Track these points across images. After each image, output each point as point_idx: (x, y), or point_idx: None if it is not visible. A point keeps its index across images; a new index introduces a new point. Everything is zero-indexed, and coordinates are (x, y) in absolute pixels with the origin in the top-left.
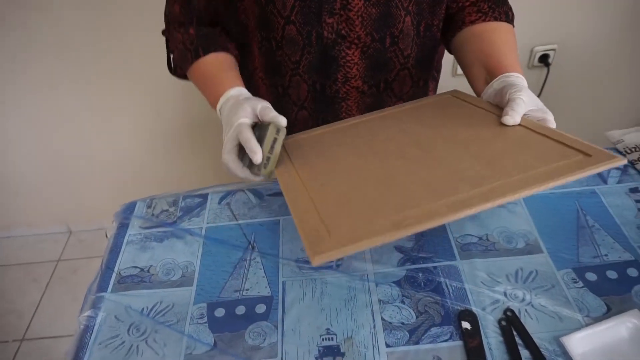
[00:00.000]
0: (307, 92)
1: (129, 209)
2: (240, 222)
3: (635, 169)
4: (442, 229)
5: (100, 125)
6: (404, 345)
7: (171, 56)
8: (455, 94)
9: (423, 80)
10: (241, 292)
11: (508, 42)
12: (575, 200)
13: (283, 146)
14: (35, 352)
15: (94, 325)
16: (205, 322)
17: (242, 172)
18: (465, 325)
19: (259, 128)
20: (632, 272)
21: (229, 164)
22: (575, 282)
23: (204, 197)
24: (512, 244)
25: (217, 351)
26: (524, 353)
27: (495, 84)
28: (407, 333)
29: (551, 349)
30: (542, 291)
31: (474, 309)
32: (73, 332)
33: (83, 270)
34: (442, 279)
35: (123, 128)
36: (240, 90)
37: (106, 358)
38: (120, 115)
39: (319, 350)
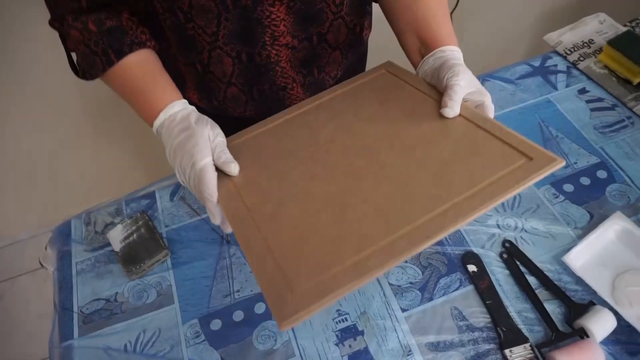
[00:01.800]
0: (232, 66)
1: (63, 231)
2: (203, 215)
3: (578, 69)
4: None
5: None
6: (419, 305)
7: (72, 56)
8: (389, 68)
9: (359, 26)
10: (232, 295)
11: (442, 6)
12: (535, 113)
13: None
14: None
15: None
16: (203, 341)
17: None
18: (472, 268)
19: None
20: (601, 174)
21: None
22: (557, 197)
23: (151, 196)
24: None
25: None
26: (531, 280)
27: (431, 59)
28: (418, 292)
29: (553, 269)
30: (530, 214)
31: (474, 249)
32: (31, 357)
33: (9, 295)
34: None
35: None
36: (184, 106)
37: None
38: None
39: (337, 335)
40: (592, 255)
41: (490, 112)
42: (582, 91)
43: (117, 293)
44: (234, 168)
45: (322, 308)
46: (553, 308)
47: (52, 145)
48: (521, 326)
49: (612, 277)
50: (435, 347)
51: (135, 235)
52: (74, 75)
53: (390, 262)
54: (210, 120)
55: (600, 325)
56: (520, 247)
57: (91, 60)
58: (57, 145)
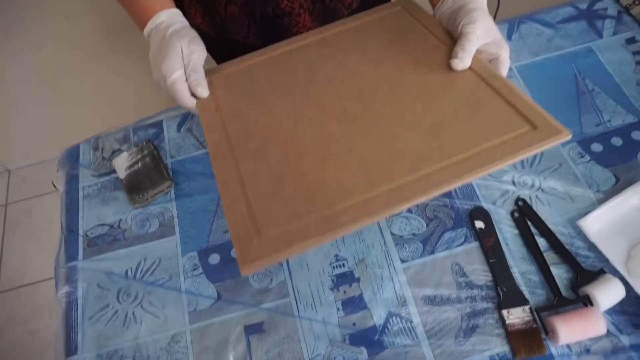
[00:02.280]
0: None
1: (72, 154)
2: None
3: (631, 15)
4: None
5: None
6: (419, 257)
7: None
8: (406, 5)
9: None
10: None
11: None
12: (572, 63)
13: (211, 85)
14: (15, 301)
15: (77, 299)
16: (201, 273)
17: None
18: (479, 224)
19: (153, 170)
20: (636, 135)
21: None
22: (582, 157)
23: (158, 125)
24: None
25: (223, 302)
26: (541, 242)
27: (450, 1)
28: (420, 244)
29: (566, 232)
30: (550, 172)
31: (484, 205)
32: (46, 276)
33: (36, 211)
34: None
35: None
36: (169, 16)
37: (103, 333)
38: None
39: (333, 280)
40: (610, 222)
41: (505, 67)
42: (631, 41)
43: (120, 220)
44: (200, 91)
45: (286, 257)
46: (560, 273)
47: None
48: (523, 288)
49: (628, 247)
50: (432, 300)
51: (140, 164)
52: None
53: (363, 220)
54: (190, 35)
55: (607, 294)
56: (534, 207)
57: None
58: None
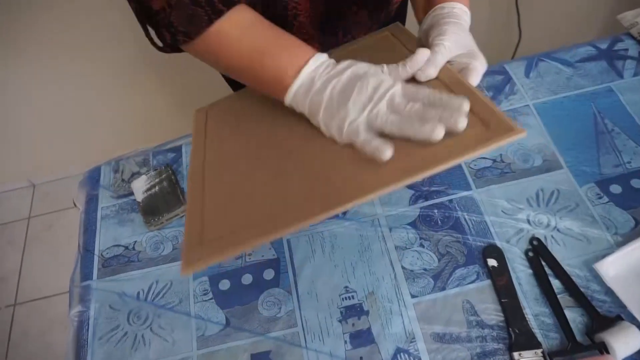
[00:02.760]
0: None
1: (94, 176)
2: None
3: None
4: None
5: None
6: (430, 293)
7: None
8: (394, 31)
9: None
10: (243, 258)
11: None
12: (591, 102)
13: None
14: (32, 314)
15: (89, 319)
16: (211, 299)
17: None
18: (492, 262)
19: (170, 194)
20: None
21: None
22: (600, 198)
23: (177, 150)
24: (529, 162)
25: (231, 329)
26: (555, 283)
27: (429, 18)
28: (431, 280)
29: (582, 275)
30: (566, 212)
31: (498, 243)
32: (62, 290)
33: (57, 226)
34: (459, 213)
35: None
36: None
37: (112, 354)
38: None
39: (341, 312)
40: (628, 266)
41: (475, 76)
42: None
43: (135, 242)
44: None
45: (222, 260)
46: (574, 316)
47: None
48: (536, 330)
49: None
50: (441, 338)
51: (157, 188)
52: (114, 21)
53: (297, 224)
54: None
55: (625, 342)
56: (549, 247)
57: (189, 16)
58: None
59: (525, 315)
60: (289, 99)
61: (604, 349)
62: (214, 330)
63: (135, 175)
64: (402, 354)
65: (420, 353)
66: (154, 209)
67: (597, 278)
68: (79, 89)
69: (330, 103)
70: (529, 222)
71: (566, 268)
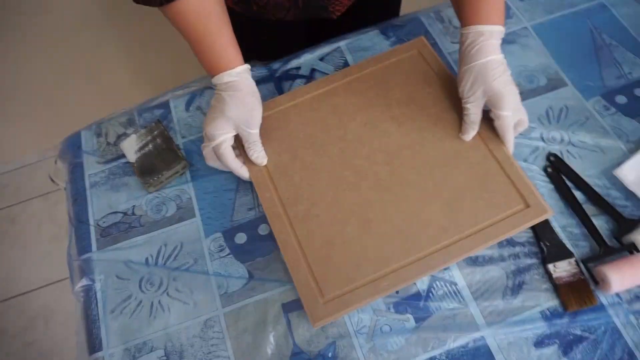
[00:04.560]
0: None
1: (74, 143)
2: None
3: None
4: None
5: None
6: None
7: None
8: (422, 49)
9: None
10: (256, 208)
11: None
12: (587, 19)
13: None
14: (9, 312)
15: (96, 293)
16: (229, 254)
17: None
18: None
19: (166, 151)
20: None
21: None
22: (607, 109)
23: (165, 106)
24: (534, 82)
25: (256, 282)
26: (577, 195)
27: (464, 45)
28: None
29: (601, 184)
30: (577, 126)
31: None
32: (38, 285)
33: (22, 218)
34: None
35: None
36: (241, 76)
37: (128, 326)
38: None
39: None
40: None
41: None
42: None
43: (134, 206)
44: (262, 162)
45: (344, 314)
46: (600, 224)
47: (55, 59)
48: (565, 241)
49: None
50: (474, 261)
51: (151, 146)
52: None
53: (399, 285)
54: (255, 101)
55: None
56: (567, 161)
57: None
58: (60, 59)
59: (554, 229)
60: (213, 81)
61: (634, 248)
62: (237, 285)
63: (121, 136)
64: (437, 282)
65: (455, 279)
66: (151, 169)
67: (616, 185)
68: (29, 59)
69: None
70: (543, 139)
71: (586, 179)
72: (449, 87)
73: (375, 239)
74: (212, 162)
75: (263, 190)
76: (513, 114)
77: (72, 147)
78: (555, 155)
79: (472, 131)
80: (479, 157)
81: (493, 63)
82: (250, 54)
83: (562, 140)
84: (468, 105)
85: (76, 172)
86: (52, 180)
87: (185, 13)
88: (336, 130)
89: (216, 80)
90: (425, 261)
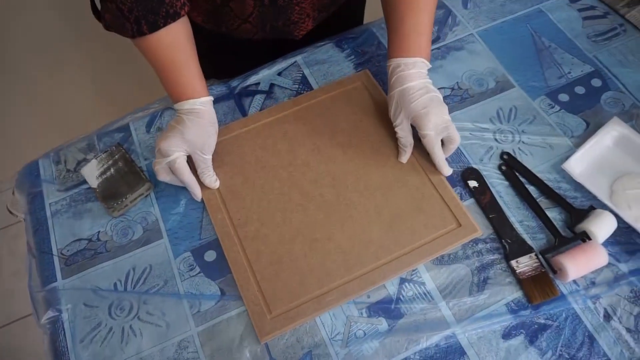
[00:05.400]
0: (253, 8)
1: (31, 172)
2: None
3: None
4: None
5: None
6: None
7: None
8: (366, 81)
9: None
10: None
11: (426, 13)
12: (527, 24)
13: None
14: None
15: (63, 324)
16: (199, 273)
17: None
18: (473, 183)
19: (129, 174)
20: (596, 82)
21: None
22: (552, 107)
23: (125, 129)
24: (483, 85)
25: (228, 298)
26: (531, 189)
27: (392, 77)
28: None
29: (552, 178)
30: (527, 125)
31: (473, 165)
32: (3, 322)
33: None
34: None
35: None
36: (205, 105)
37: (100, 354)
38: None
39: None
40: (590, 162)
41: (452, 151)
42: (574, 0)
43: (99, 232)
44: (215, 185)
45: (291, 329)
46: (554, 215)
47: (8, 84)
48: (524, 235)
49: (610, 182)
50: (440, 261)
51: (112, 170)
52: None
53: (343, 300)
54: (209, 132)
55: (602, 226)
56: (519, 158)
57: (121, 23)
58: (12, 85)
59: (512, 225)
60: (176, 106)
61: (585, 237)
62: (209, 303)
63: (82, 162)
64: (406, 284)
65: (423, 279)
66: (114, 193)
67: (566, 178)
68: None
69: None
70: (495, 139)
71: (538, 174)
72: (391, 119)
73: (320, 257)
74: (163, 176)
75: (215, 211)
76: (436, 133)
77: (30, 177)
78: (508, 154)
79: (404, 154)
80: (417, 181)
81: (410, 89)
82: (209, 72)
83: (513, 139)
84: (397, 129)
85: (36, 201)
86: (10, 211)
87: (157, 46)
88: (286, 155)
89: (180, 105)
90: (367, 277)
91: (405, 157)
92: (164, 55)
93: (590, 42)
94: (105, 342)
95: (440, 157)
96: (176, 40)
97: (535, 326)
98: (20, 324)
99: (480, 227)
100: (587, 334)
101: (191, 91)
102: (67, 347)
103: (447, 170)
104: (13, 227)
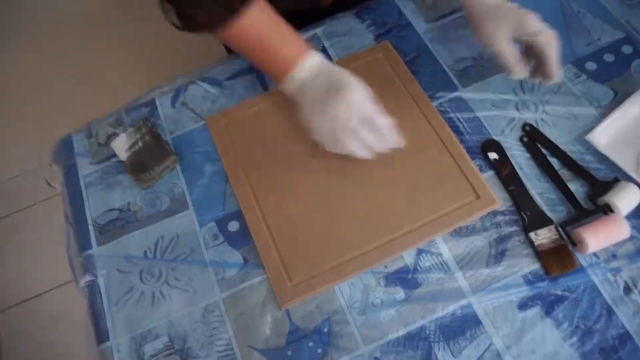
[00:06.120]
0: None
1: (66, 145)
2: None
3: None
4: (433, 60)
5: None
6: None
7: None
8: (386, 52)
9: None
10: None
11: None
12: None
13: (227, 130)
14: (21, 316)
15: (99, 287)
16: (223, 242)
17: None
18: (493, 156)
19: (156, 147)
20: (626, 49)
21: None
22: (579, 77)
23: (151, 104)
24: None
25: (250, 266)
26: (553, 161)
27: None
28: None
29: (575, 150)
30: (550, 95)
31: (494, 136)
32: (49, 287)
33: (23, 226)
34: (452, 115)
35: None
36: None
37: (133, 315)
38: None
39: None
40: (616, 133)
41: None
42: None
43: (129, 202)
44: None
45: (310, 296)
46: (576, 187)
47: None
48: (544, 208)
49: (636, 154)
50: (458, 232)
51: (140, 143)
52: None
53: (362, 269)
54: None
55: (626, 199)
56: (541, 130)
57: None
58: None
59: (532, 197)
60: (286, 86)
61: (608, 209)
62: (233, 271)
63: (112, 136)
64: (423, 254)
65: (441, 250)
66: (142, 165)
67: (590, 150)
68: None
69: (319, 101)
70: (517, 109)
71: (560, 146)
72: (409, 88)
73: (340, 228)
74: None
75: (237, 183)
76: (545, 31)
77: (66, 150)
78: (530, 125)
79: (519, 67)
80: (436, 153)
81: (504, 3)
82: (227, 47)
83: (536, 109)
84: (500, 45)
85: (71, 173)
86: (49, 183)
87: (255, 19)
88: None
89: (308, 62)
90: (386, 247)
91: (521, 69)
92: (265, 23)
93: (622, 6)
94: (138, 304)
95: (557, 55)
96: (265, 5)
97: (552, 297)
98: (65, 289)
99: (499, 200)
100: (605, 306)
101: (307, 47)
102: (103, 309)
103: (560, 75)
104: (53, 199)
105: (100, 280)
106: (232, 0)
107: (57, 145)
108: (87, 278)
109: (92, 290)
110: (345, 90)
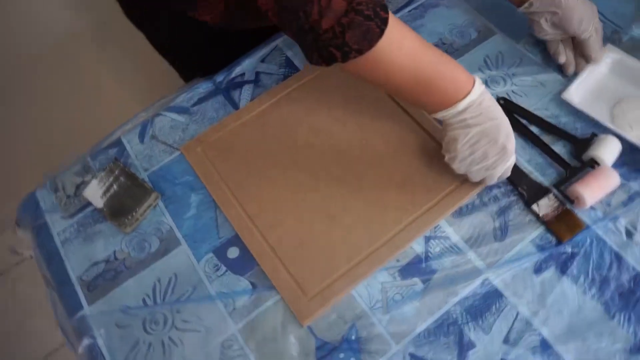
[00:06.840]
0: None
1: (30, 205)
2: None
3: None
4: None
5: None
6: None
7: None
8: None
9: None
10: None
11: None
12: None
13: (204, 155)
14: None
15: (100, 349)
16: (226, 271)
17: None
18: None
19: (133, 187)
20: None
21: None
22: (537, 46)
23: (118, 143)
24: (465, 37)
25: (260, 290)
26: (533, 129)
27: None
28: None
29: (550, 114)
30: (515, 67)
31: None
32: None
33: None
34: None
35: None
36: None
37: None
38: None
39: None
40: (588, 91)
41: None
42: None
43: (115, 251)
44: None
45: (330, 306)
46: (559, 149)
47: None
48: (535, 174)
49: (610, 108)
50: (459, 213)
51: (115, 186)
52: None
53: (374, 268)
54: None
55: (608, 150)
56: (515, 101)
57: (364, 30)
58: None
59: (524, 171)
60: (446, 115)
61: (594, 163)
62: (243, 299)
63: (81, 185)
64: (432, 241)
65: (447, 234)
66: (122, 209)
67: (564, 111)
68: None
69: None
70: (488, 85)
71: (535, 113)
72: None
73: (341, 232)
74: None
75: (228, 207)
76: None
77: (30, 210)
78: (504, 98)
79: (572, 65)
80: (420, 140)
81: None
82: (194, 68)
83: (505, 82)
84: (550, 36)
85: (42, 234)
86: (17, 252)
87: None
88: (286, 140)
89: (469, 98)
90: (392, 242)
91: (573, 67)
92: (416, 55)
93: None
94: (148, 358)
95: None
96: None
97: (564, 256)
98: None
99: None
100: (613, 254)
101: (468, 75)
102: None
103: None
104: (13, 269)
105: (100, 341)
106: (377, 12)
107: (21, 207)
108: (85, 342)
109: (93, 353)
110: (505, 154)
